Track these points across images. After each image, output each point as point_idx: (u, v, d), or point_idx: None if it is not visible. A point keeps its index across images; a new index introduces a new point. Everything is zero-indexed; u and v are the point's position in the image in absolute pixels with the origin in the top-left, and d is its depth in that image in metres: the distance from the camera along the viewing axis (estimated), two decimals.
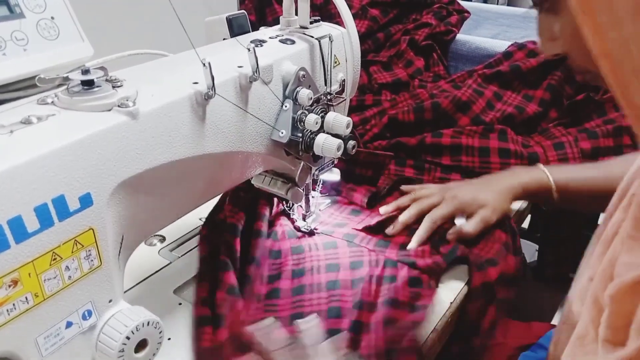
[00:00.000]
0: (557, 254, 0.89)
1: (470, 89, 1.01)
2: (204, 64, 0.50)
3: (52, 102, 0.47)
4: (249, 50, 0.55)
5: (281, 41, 0.65)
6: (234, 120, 0.57)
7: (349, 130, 0.64)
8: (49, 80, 0.48)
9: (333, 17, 1.16)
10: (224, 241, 0.70)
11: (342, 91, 0.72)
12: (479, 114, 0.98)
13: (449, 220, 0.78)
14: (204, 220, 0.77)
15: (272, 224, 0.79)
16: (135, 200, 0.49)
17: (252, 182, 0.73)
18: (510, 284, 0.71)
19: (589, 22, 0.28)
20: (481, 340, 0.69)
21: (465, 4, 1.42)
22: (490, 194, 0.77)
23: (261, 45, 0.63)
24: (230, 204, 0.76)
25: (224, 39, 0.68)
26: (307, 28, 0.68)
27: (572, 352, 0.44)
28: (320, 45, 0.66)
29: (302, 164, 0.69)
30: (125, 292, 0.53)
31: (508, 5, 2.28)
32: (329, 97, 0.68)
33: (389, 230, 0.78)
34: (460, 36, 1.28)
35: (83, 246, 0.44)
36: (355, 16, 1.17)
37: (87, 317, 0.47)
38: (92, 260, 0.46)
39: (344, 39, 0.71)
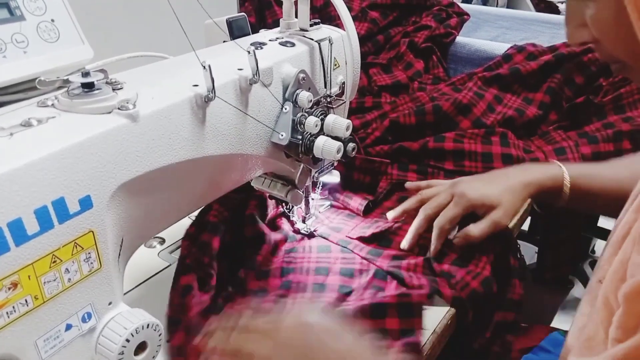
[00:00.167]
0: (556, 256, 0.89)
1: (470, 91, 1.01)
2: (204, 67, 0.50)
3: (52, 104, 0.47)
4: (249, 52, 0.55)
5: (281, 44, 0.65)
6: (234, 123, 0.57)
7: (349, 132, 0.64)
8: (49, 83, 0.48)
9: (333, 19, 1.16)
10: (199, 241, 0.70)
11: (342, 93, 0.72)
12: (479, 116, 0.98)
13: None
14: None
15: (272, 225, 0.79)
16: (135, 202, 0.49)
17: (252, 184, 0.73)
18: (510, 308, 0.69)
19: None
20: (480, 342, 0.69)
21: (464, 7, 1.42)
22: (502, 192, 0.72)
23: (261, 48, 0.63)
24: (218, 203, 0.75)
25: (224, 42, 0.69)
26: (307, 30, 0.68)
27: (580, 353, 0.44)
28: (320, 48, 0.67)
29: (301, 167, 0.69)
30: (124, 294, 0.53)
31: (507, 7, 2.28)
32: (328, 100, 0.68)
33: (404, 244, 0.74)
34: (459, 38, 1.29)
35: (83, 249, 0.44)
36: (355, 18, 1.17)
37: (87, 320, 0.47)
38: (91, 263, 0.46)
39: (343, 42, 0.71)
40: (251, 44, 0.61)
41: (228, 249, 0.72)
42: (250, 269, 0.71)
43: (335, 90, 0.71)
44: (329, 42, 0.67)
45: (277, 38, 0.67)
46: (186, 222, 0.74)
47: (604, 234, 1.23)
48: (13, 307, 0.41)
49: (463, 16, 1.36)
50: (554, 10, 2.39)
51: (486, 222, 0.70)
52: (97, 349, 0.48)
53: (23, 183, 0.39)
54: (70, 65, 0.55)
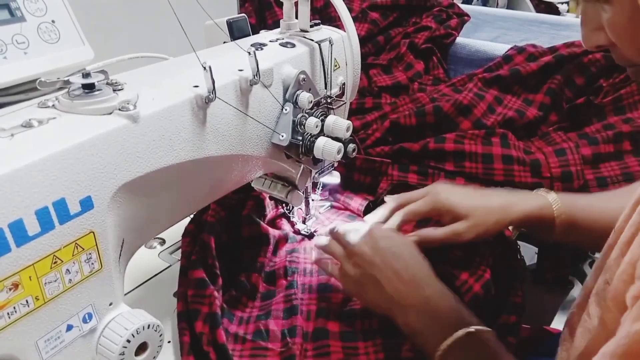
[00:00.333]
0: (556, 256, 0.89)
1: (471, 92, 1.01)
2: (204, 68, 0.50)
3: (53, 105, 0.47)
4: (249, 53, 0.55)
5: (281, 44, 0.65)
6: (235, 124, 0.57)
7: (349, 133, 0.64)
8: (49, 84, 0.49)
9: (333, 20, 1.16)
10: (199, 240, 0.71)
11: (342, 94, 0.72)
12: (480, 117, 0.98)
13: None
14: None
15: (272, 225, 0.79)
16: (136, 203, 0.49)
17: (252, 185, 0.73)
18: (512, 311, 0.67)
19: None
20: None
21: (464, 7, 1.42)
22: (476, 208, 0.68)
23: (261, 49, 0.63)
24: (215, 203, 0.75)
25: (224, 42, 0.69)
26: (307, 31, 0.69)
27: (587, 352, 0.44)
28: (320, 49, 0.67)
29: (302, 167, 0.69)
30: (125, 294, 0.53)
31: (507, 8, 2.29)
32: (329, 101, 0.68)
33: None
34: (459, 39, 1.29)
35: (84, 249, 0.44)
36: (355, 19, 1.17)
37: (88, 320, 0.47)
38: (92, 264, 0.46)
39: (344, 42, 0.71)
40: (251, 45, 0.61)
41: (225, 249, 0.72)
42: (253, 270, 0.71)
43: (335, 91, 0.71)
44: (329, 43, 0.67)
45: (277, 39, 0.67)
46: (186, 223, 0.74)
47: None
48: (14, 307, 0.41)
49: (463, 17, 1.36)
50: (554, 11, 2.40)
51: (446, 230, 0.67)
52: (97, 350, 0.48)
53: (24, 184, 0.39)
54: (71, 66, 0.55)
